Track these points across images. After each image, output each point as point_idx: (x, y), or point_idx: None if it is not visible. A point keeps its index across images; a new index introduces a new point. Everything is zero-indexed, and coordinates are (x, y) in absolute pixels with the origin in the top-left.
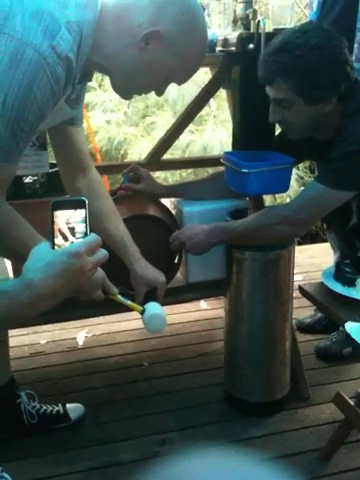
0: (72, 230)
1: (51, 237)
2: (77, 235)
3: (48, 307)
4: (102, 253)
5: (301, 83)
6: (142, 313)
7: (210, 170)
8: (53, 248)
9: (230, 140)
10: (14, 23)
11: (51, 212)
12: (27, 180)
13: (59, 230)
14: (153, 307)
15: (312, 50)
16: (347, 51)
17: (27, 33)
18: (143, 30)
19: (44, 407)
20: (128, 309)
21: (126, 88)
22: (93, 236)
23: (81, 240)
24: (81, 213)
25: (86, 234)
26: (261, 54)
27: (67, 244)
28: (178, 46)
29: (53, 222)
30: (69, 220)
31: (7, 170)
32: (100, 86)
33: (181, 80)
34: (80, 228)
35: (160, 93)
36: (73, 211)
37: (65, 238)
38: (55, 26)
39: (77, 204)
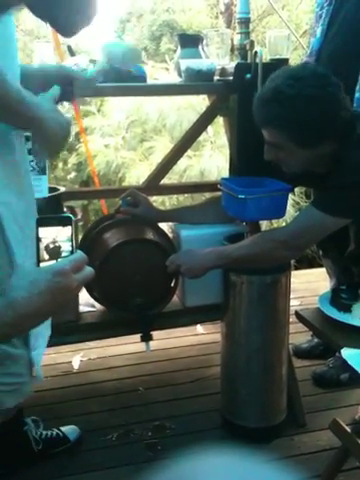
0: (57, 247)
1: (36, 254)
2: (63, 253)
3: (33, 326)
4: (88, 271)
5: (292, 133)
6: None
7: (207, 195)
8: (38, 266)
9: (227, 165)
10: None
11: (36, 229)
12: None
13: (45, 247)
14: None
15: (304, 102)
16: (343, 95)
17: None
18: None
19: (44, 432)
20: (123, 333)
21: (52, 16)
22: (79, 254)
23: (67, 258)
24: (67, 230)
25: (72, 252)
26: (257, 91)
27: (52, 262)
28: None
29: (38, 239)
30: (54, 237)
31: None
32: (99, 111)
33: None
34: (66, 245)
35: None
36: (58, 228)
37: (50, 256)
38: None
39: (63, 221)
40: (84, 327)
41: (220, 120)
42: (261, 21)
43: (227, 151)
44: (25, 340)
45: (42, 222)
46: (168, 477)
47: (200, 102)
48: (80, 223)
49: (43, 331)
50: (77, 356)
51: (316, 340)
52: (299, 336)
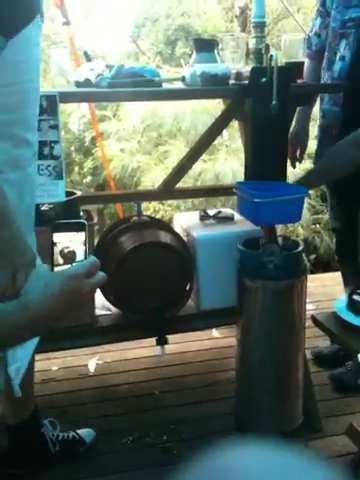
0: (72, 252)
1: (51, 259)
2: (77, 257)
3: (45, 328)
4: (100, 276)
5: None
6: None
7: (222, 199)
8: (52, 270)
9: (242, 169)
10: None
11: (51, 234)
12: (43, 208)
13: (59, 252)
14: None
15: None
16: None
17: None
18: None
19: (61, 434)
20: (139, 336)
21: None
22: (92, 259)
23: (80, 263)
24: (81, 236)
25: (86, 256)
26: (272, 95)
27: (66, 266)
28: None
29: (53, 244)
30: (69, 242)
31: None
32: (115, 116)
33: None
34: (80, 250)
35: None
36: (73, 234)
37: (65, 260)
38: None
39: (77, 227)
40: (100, 330)
41: (235, 124)
42: (276, 24)
43: (242, 155)
44: None
45: (57, 227)
46: (207, 471)
47: (215, 106)
48: (96, 227)
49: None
50: (93, 359)
51: (336, 345)
52: (315, 340)
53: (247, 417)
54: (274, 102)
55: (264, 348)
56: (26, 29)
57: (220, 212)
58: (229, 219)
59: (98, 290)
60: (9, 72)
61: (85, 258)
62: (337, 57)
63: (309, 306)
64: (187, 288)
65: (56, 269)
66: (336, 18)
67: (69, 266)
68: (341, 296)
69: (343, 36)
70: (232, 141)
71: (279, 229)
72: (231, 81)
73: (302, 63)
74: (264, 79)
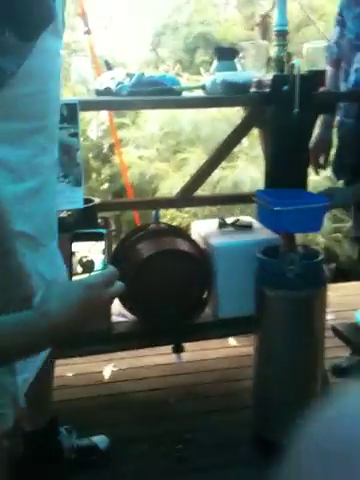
0: (90, 262)
1: (69, 268)
2: (95, 267)
3: (63, 337)
4: (119, 285)
5: None
6: None
7: (241, 207)
8: (71, 279)
9: (261, 177)
10: None
11: (70, 243)
12: (62, 215)
13: (77, 261)
14: None
15: None
16: None
17: None
18: None
19: (78, 441)
20: (155, 344)
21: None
22: (111, 269)
23: (98, 272)
24: (100, 245)
25: (104, 266)
26: (293, 103)
27: (85, 276)
28: None
29: (72, 253)
30: (88, 251)
31: None
32: (133, 123)
33: None
34: (98, 260)
35: None
36: (92, 243)
37: (83, 269)
38: None
39: (96, 236)
40: (116, 337)
41: (254, 131)
42: (297, 32)
43: (261, 162)
44: (9, 366)
45: (76, 237)
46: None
47: (234, 113)
48: (113, 233)
49: None
50: (108, 366)
51: (356, 357)
52: (335, 351)
53: (264, 428)
54: (296, 110)
55: (283, 358)
56: (48, 38)
57: (238, 220)
58: (247, 227)
59: None
60: (33, 82)
61: (104, 267)
62: (352, 69)
63: (329, 316)
64: (205, 296)
65: (74, 278)
66: (351, 29)
67: (87, 276)
68: None
69: (358, 48)
70: (251, 148)
71: (298, 237)
72: (252, 89)
73: (324, 71)
74: (286, 87)
